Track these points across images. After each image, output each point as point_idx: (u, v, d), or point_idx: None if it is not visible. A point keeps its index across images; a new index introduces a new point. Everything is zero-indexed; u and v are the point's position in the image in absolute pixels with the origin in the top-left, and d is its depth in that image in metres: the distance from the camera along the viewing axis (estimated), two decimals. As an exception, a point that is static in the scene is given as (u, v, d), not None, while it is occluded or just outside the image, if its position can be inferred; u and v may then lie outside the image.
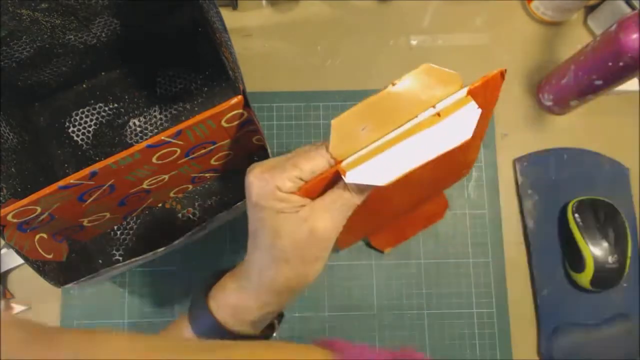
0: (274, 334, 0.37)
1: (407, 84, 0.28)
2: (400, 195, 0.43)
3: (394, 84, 0.28)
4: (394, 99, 0.28)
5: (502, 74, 0.30)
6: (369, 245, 0.54)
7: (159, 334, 0.35)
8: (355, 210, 0.30)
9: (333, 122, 0.28)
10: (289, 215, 0.29)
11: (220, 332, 0.32)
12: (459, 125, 0.27)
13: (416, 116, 0.28)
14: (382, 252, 0.53)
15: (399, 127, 0.28)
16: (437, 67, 0.28)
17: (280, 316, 0.39)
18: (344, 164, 0.28)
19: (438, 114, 0.28)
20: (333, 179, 0.29)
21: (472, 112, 0.27)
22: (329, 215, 0.29)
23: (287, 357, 0.28)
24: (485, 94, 0.31)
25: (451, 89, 0.28)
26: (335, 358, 0.27)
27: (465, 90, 0.28)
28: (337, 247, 0.50)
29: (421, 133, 0.27)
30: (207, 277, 0.35)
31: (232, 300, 0.32)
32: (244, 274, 0.32)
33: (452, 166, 0.43)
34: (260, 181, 0.29)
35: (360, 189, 0.29)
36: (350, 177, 0.27)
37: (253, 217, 0.30)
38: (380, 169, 0.27)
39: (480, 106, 0.28)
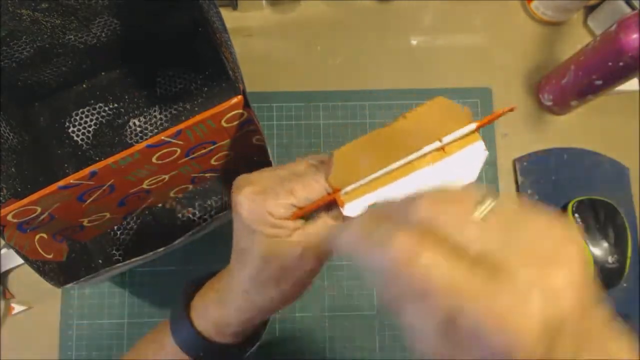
0: (258, 343, 0.36)
1: (417, 115, 0.26)
2: None
3: (404, 116, 0.26)
4: (402, 130, 0.26)
5: (512, 110, 0.28)
6: None
7: None
8: None
9: (336, 153, 0.27)
10: (281, 240, 0.28)
11: (200, 342, 0.32)
12: (464, 166, 0.26)
13: (421, 148, 0.26)
14: None
15: (402, 158, 0.27)
16: (449, 100, 0.26)
17: (264, 322, 0.37)
18: (342, 193, 0.27)
19: (443, 149, 0.26)
20: (328, 204, 0.28)
21: (478, 153, 0.26)
22: (319, 240, 0.28)
23: None
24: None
25: (460, 124, 0.27)
26: None
27: (473, 126, 0.27)
28: None
29: (423, 170, 0.26)
30: (187, 284, 0.35)
31: (213, 314, 0.32)
32: (227, 287, 0.31)
33: None
34: (252, 202, 0.27)
35: None
36: (348, 211, 0.27)
37: (242, 234, 0.29)
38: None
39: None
